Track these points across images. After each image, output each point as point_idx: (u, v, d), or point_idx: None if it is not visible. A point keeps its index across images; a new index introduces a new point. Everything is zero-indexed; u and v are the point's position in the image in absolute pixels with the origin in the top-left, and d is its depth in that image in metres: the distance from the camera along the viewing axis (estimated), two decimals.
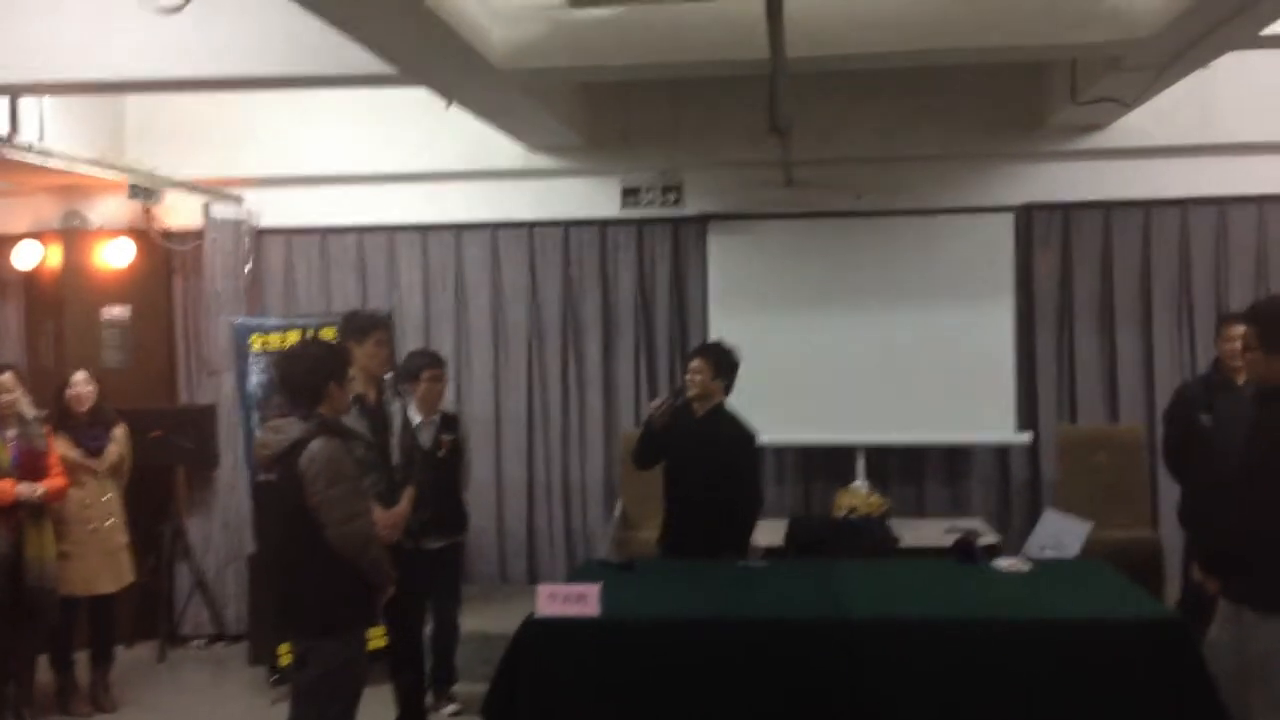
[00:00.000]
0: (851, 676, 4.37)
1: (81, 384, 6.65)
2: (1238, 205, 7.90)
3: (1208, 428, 5.78)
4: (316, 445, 4.29)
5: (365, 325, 5.59)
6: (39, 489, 6.14)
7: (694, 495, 5.70)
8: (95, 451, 6.64)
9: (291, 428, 4.37)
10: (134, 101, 7.99)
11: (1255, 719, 4.28)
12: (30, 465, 6.19)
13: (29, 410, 6.36)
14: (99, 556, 6.60)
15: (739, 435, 5.85)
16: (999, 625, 4.45)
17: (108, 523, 6.65)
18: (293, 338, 6.98)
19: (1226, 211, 7.91)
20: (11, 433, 6.21)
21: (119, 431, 6.82)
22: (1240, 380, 5.78)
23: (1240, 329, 5.67)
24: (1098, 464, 7.54)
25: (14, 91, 6.39)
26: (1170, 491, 6.91)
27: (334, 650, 4.37)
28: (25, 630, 6.28)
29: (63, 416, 6.58)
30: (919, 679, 4.34)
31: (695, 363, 5.86)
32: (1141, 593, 4.87)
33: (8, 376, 6.27)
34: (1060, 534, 6.48)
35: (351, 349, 5.37)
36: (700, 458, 5.73)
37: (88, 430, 6.65)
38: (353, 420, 5.21)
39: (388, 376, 5.79)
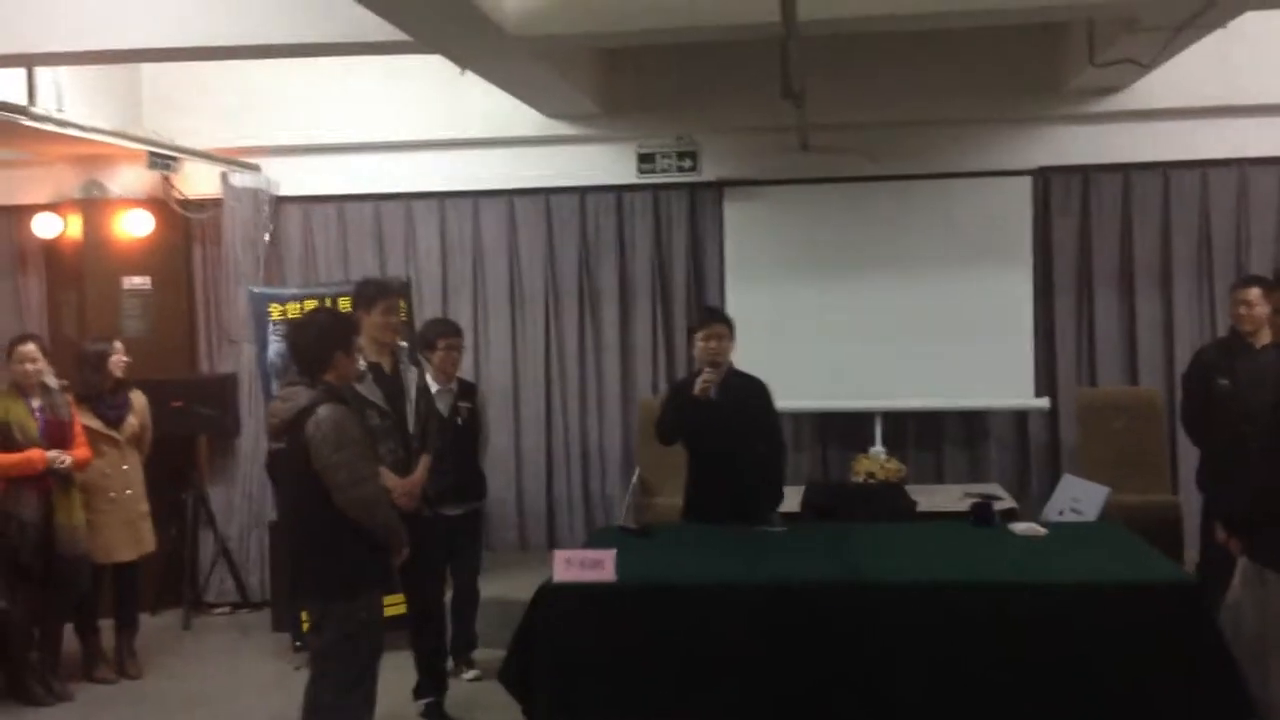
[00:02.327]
0: (867, 640, 4.38)
1: (123, 352, 6.72)
2: (1258, 166, 7.81)
3: (1226, 390, 5.78)
4: (323, 411, 4.32)
5: (372, 294, 5.59)
6: (67, 458, 6.20)
7: (725, 457, 5.68)
8: (116, 421, 6.68)
9: (299, 395, 4.40)
10: (150, 71, 8.02)
11: (1274, 681, 4.29)
12: (56, 435, 6.25)
13: (52, 380, 6.41)
14: (119, 525, 6.65)
15: (758, 386, 5.84)
16: (1014, 588, 4.45)
17: (127, 492, 6.69)
18: (310, 306, 7.00)
19: (1246, 173, 7.83)
20: (37, 403, 6.26)
21: (138, 401, 6.86)
22: (1259, 344, 5.76)
23: (1253, 292, 5.70)
24: (1117, 428, 7.49)
25: (31, 62, 6.41)
26: (1189, 455, 6.89)
27: (347, 614, 4.41)
28: (55, 598, 6.35)
29: (95, 386, 6.60)
30: (935, 642, 4.35)
31: (721, 329, 5.85)
32: (1157, 556, 4.84)
33: (31, 347, 6.32)
34: (1078, 498, 6.50)
35: (361, 317, 5.40)
36: (725, 418, 5.69)
37: (110, 400, 6.69)
38: (368, 388, 5.25)
39: (404, 344, 5.81)
